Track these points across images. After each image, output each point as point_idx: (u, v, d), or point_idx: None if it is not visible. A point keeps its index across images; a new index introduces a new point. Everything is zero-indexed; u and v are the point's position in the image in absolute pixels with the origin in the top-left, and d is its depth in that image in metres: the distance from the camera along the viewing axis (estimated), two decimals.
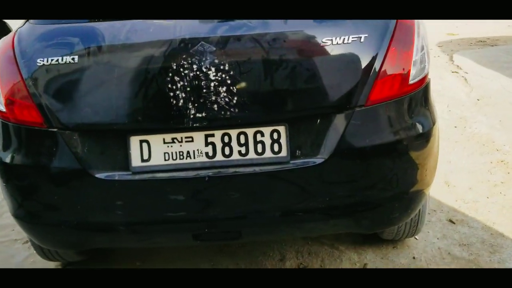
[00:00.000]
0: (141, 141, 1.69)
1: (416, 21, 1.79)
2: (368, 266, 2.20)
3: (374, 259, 2.25)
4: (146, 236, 1.85)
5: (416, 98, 1.77)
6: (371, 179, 1.74)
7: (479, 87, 4.47)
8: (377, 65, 1.67)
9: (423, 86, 1.80)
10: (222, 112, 1.62)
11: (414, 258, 2.24)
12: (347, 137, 1.68)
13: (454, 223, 2.47)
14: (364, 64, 1.67)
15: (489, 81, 4.61)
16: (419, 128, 1.78)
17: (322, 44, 1.64)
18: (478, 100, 4.14)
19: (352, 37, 1.66)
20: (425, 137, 1.80)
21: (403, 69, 1.71)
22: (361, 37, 1.66)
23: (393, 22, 1.72)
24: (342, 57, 1.67)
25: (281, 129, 1.68)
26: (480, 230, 2.40)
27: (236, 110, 1.63)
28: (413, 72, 1.73)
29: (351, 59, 1.67)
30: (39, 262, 2.33)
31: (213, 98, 1.62)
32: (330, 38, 1.65)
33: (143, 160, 1.69)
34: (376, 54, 1.67)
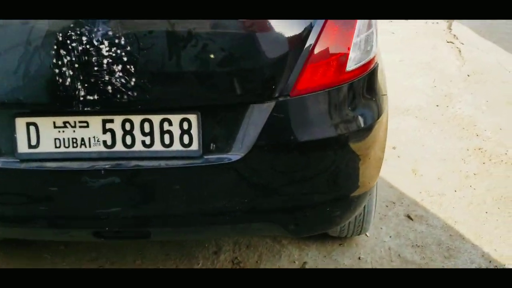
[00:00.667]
0: (28, 124, 1.44)
1: None
2: (308, 266, 1.99)
3: (316, 257, 2.03)
4: (39, 231, 1.63)
5: (357, 86, 1.50)
6: (297, 181, 1.50)
7: (472, 60, 4.12)
8: (307, 47, 1.39)
9: (367, 72, 1.51)
10: (119, 95, 1.36)
11: (359, 258, 2.03)
12: (268, 132, 1.42)
13: (412, 219, 2.23)
14: (290, 45, 1.39)
15: (484, 53, 4.25)
16: (359, 122, 1.52)
17: (241, 19, 1.35)
18: (468, 76, 3.81)
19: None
20: (366, 133, 1.54)
21: (341, 52, 1.42)
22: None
23: None
24: (264, 37, 1.38)
25: (192, 118, 1.42)
26: (439, 229, 2.17)
27: (137, 93, 1.36)
28: (352, 56, 1.44)
29: (275, 39, 1.39)
30: None
31: (107, 77, 1.35)
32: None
33: (30, 146, 1.44)
34: (307, 34, 1.39)
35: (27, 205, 1.51)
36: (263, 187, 1.49)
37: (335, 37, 1.42)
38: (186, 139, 1.43)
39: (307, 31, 1.39)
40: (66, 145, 1.44)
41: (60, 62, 1.34)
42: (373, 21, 1.54)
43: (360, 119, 1.51)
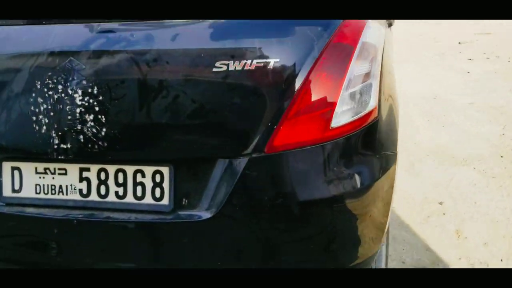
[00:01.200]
0: (13, 168, 1.46)
1: (361, 41, 1.34)
2: None
3: None
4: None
5: (348, 144, 1.34)
6: (274, 248, 1.35)
7: None
8: (286, 101, 1.27)
9: (361, 129, 1.35)
10: (94, 144, 1.33)
11: None
12: (241, 190, 1.30)
13: None
14: (268, 98, 1.28)
15: None
16: (350, 184, 1.34)
17: (214, 69, 1.27)
18: None
19: (257, 62, 1.27)
20: (359, 196, 1.36)
21: (325, 107, 1.29)
22: (269, 62, 1.27)
23: (322, 43, 1.29)
24: (239, 88, 1.29)
25: (165, 170, 1.35)
26: None
27: (112, 143, 1.33)
28: (340, 110, 1.30)
29: (251, 91, 1.28)
30: None
31: (82, 126, 1.33)
32: (226, 62, 1.27)
33: (14, 190, 1.46)
34: (287, 87, 1.27)
35: (9, 248, 1.52)
36: (235, 250, 1.36)
37: (320, 88, 1.29)
38: (157, 192, 1.36)
39: (288, 81, 1.27)
40: (46, 191, 1.44)
41: (38, 110, 1.35)
42: (373, 71, 1.38)
43: (351, 181, 1.34)
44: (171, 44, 1.31)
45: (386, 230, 1.54)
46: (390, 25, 2.60)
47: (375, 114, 1.38)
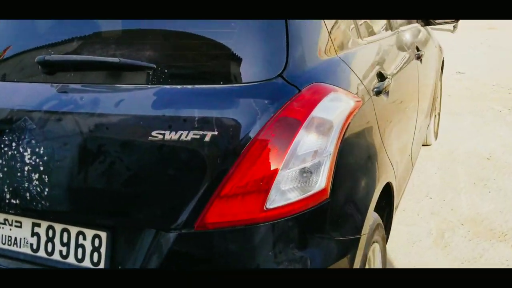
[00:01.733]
0: None
1: (312, 115, 1.25)
2: None
3: None
4: None
5: (288, 226, 1.24)
6: None
7: None
8: (220, 177, 1.21)
9: (306, 211, 1.24)
10: (35, 202, 1.36)
11: None
12: (170, 264, 1.25)
13: None
14: (202, 172, 1.22)
15: None
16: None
17: (150, 138, 1.25)
18: None
19: (194, 134, 1.23)
20: None
21: (260, 186, 1.20)
22: (206, 134, 1.22)
23: (266, 117, 1.23)
24: (173, 159, 1.25)
25: (103, 235, 1.34)
26: None
27: (50, 203, 1.35)
28: (277, 190, 1.21)
29: (185, 164, 1.24)
30: None
31: (26, 184, 1.36)
32: (162, 132, 1.24)
33: None
34: (223, 162, 1.21)
35: None
36: None
37: (258, 165, 1.21)
38: (95, 257, 1.35)
39: (225, 156, 1.21)
40: (3, 241, 1.48)
41: None
42: (326, 148, 1.27)
43: (291, 267, 1.23)
44: (113, 109, 1.31)
45: None
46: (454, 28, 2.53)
47: (324, 196, 1.26)
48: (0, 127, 1.40)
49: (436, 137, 4.01)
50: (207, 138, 1.22)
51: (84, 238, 1.36)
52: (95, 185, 1.30)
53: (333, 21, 1.59)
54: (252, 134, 1.22)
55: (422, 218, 2.87)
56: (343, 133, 1.34)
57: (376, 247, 1.69)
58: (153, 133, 1.24)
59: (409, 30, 2.66)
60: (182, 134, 1.23)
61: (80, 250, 1.36)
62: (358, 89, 1.53)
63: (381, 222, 1.76)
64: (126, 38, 1.43)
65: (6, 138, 1.38)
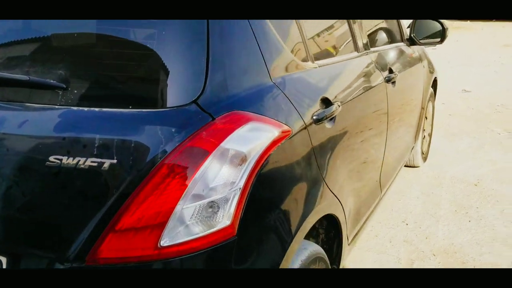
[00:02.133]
0: None
1: (222, 146, 1.18)
2: None
3: None
4: None
5: (185, 266, 1.16)
6: None
7: None
8: (116, 208, 1.14)
9: (207, 249, 1.17)
10: None
11: None
12: None
13: None
14: (96, 203, 1.16)
15: None
16: None
17: (47, 163, 1.19)
18: None
19: (91, 161, 1.16)
20: None
21: (155, 222, 1.13)
22: (104, 162, 1.15)
23: (170, 146, 1.16)
24: (69, 187, 1.18)
25: (3, 260, 1.27)
26: None
27: None
28: (174, 227, 1.14)
29: (80, 193, 1.17)
30: None
31: None
32: (60, 157, 1.18)
33: None
34: (119, 193, 1.14)
35: None
36: None
37: (155, 199, 1.14)
38: None
39: (121, 186, 1.15)
40: None
41: None
42: (236, 182, 1.19)
43: None
44: (16, 130, 1.25)
45: None
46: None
47: (230, 233, 1.19)
48: None
49: (425, 159, 3.89)
50: (105, 166, 1.15)
51: None
52: None
53: (273, 44, 1.51)
54: (152, 165, 1.15)
55: (394, 245, 2.76)
56: (260, 165, 1.26)
57: None
58: (51, 158, 1.18)
59: (383, 52, 2.56)
60: (79, 160, 1.16)
61: None
62: (290, 117, 1.44)
63: (324, 255, 1.68)
64: (41, 55, 1.37)
65: None
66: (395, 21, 2.98)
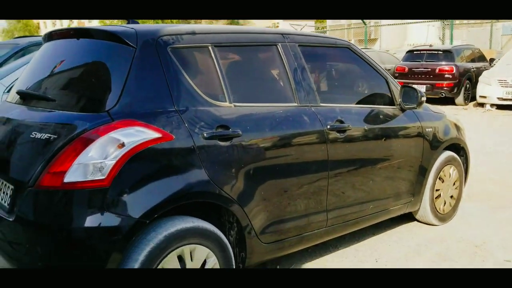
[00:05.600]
0: None
1: (110, 135, 2.15)
2: None
3: None
4: None
5: (79, 194, 2.13)
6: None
7: None
8: (49, 159, 2.19)
9: (93, 188, 2.12)
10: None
11: None
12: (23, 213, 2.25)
13: None
14: (43, 155, 2.22)
15: None
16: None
17: (31, 135, 2.32)
18: None
19: (46, 136, 2.27)
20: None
21: (65, 168, 2.14)
22: (51, 136, 2.27)
23: (82, 130, 2.17)
24: (36, 146, 2.29)
25: (11, 187, 2.39)
26: None
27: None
28: (72, 173, 2.12)
29: (37, 151, 2.26)
30: None
31: None
32: (36, 133, 2.30)
33: None
34: (54, 151, 2.20)
35: None
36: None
37: (66, 156, 2.13)
38: (9, 202, 2.40)
39: (55, 148, 2.17)
40: None
41: None
42: (112, 154, 2.12)
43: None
44: (25, 119, 2.41)
45: None
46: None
47: (104, 183, 2.12)
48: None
49: (442, 219, 4.08)
50: (51, 137, 2.22)
51: (6, 188, 2.43)
52: (8, 156, 2.40)
53: (184, 87, 2.42)
54: (71, 139, 2.16)
55: None
56: (134, 150, 2.17)
57: (187, 250, 2.33)
58: (33, 133, 2.29)
59: (343, 108, 3.18)
60: (43, 135, 2.25)
61: (4, 196, 2.44)
62: (178, 130, 2.32)
63: (213, 234, 2.42)
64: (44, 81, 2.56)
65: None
66: (386, 86, 3.55)
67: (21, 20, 43.29)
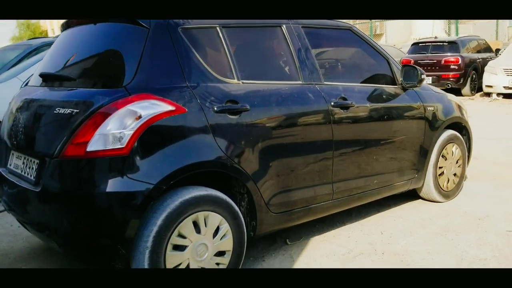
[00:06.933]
0: None
1: (128, 107, 2.33)
2: None
3: None
4: None
5: (102, 162, 2.31)
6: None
7: None
8: (73, 131, 2.36)
9: (114, 156, 2.30)
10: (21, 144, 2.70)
11: None
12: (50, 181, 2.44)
13: None
14: (67, 128, 2.40)
15: None
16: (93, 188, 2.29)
17: (54, 111, 2.49)
18: None
19: (69, 110, 2.45)
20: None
21: (88, 139, 2.31)
22: (73, 110, 2.44)
23: (102, 104, 2.35)
24: (59, 121, 2.46)
25: (36, 161, 2.58)
26: None
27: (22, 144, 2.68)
28: (93, 143, 2.30)
29: (62, 124, 2.44)
30: None
31: (19, 133, 2.72)
32: (59, 109, 2.48)
33: None
34: (77, 124, 2.38)
35: None
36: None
37: (87, 128, 2.31)
38: (35, 175, 2.58)
39: (78, 121, 2.35)
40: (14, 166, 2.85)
41: None
42: (130, 126, 2.29)
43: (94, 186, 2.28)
44: (48, 97, 2.59)
45: None
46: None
47: (124, 151, 2.30)
48: (20, 105, 2.81)
49: (446, 197, 4.21)
50: (73, 112, 2.39)
51: (32, 163, 2.61)
52: (33, 133, 2.58)
53: (194, 64, 2.60)
54: (92, 112, 2.34)
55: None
56: (150, 122, 2.34)
57: (201, 216, 2.51)
58: (56, 109, 2.47)
59: (346, 86, 3.33)
60: (66, 110, 2.43)
61: (30, 170, 2.62)
62: (190, 104, 2.48)
63: (221, 201, 2.58)
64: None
65: (20, 109, 2.78)
66: (388, 66, 3.70)
67: (29, 27, 44.01)
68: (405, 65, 3.73)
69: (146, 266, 2.33)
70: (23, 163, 2.69)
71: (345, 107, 3.22)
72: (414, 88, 3.79)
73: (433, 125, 3.93)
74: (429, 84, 10.23)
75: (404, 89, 3.74)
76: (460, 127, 4.34)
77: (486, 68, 11.72)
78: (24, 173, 2.66)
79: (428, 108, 3.89)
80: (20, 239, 3.62)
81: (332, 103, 3.14)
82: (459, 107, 4.33)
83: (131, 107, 2.34)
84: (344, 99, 3.23)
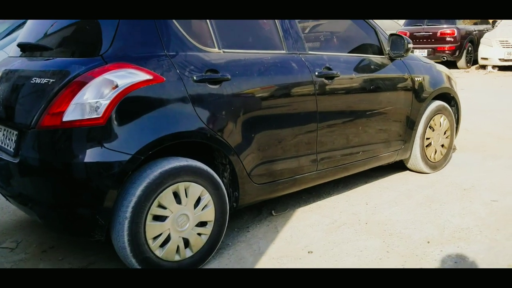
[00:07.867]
0: None
1: (104, 76, 2.29)
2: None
3: None
4: None
5: (78, 132, 2.28)
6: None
7: None
8: (48, 101, 2.34)
9: (90, 126, 2.27)
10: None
11: None
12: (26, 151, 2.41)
13: None
14: (43, 97, 2.37)
15: None
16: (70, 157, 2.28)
17: (31, 81, 2.45)
18: None
19: (46, 80, 2.41)
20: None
21: (63, 109, 2.28)
22: (50, 80, 2.40)
23: (77, 73, 2.32)
24: (36, 90, 2.43)
25: (15, 133, 2.56)
26: None
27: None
28: (69, 113, 2.27)
29: (39, 92, 2.42)
30: None
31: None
32: (36, 78, 2.45)
33: None
34: (53, 93, 2.34)
35: None
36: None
37: (63, 97, 2.27)
38: (14, 146, 2.56)
39: (51, 90, 2.32)
40: None
41: None
42: (107, 95, 2.26)
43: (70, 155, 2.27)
44: (26, 68, 2.55)
45: None
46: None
47: (100, 121, 2.27)
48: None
49: (434, 167, 4.21)
50: (49, 81, 2.36)
51: (11, 135, 2.59)
52: (12, 104, 2.55)
53: (173, 33, 2.55)
54: (69, 81, 2.30)
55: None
56: (127, 91, 2.31)
57: (182, 187, 2.50)
58: (33, 79, 2.44)
59: (330, 56, 3.29)
60: (40, 80, 2.39)
61: (10, 142, 2.60)
62: (168, 73, 2.45)
63: (206, 173, 2.57)
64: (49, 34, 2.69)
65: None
66: (375, 36, 3.65)
67: None
68: (392, 34, 3.68)
69: (125, 237, 2.33)
70: (3, 134, 2.66)
71: (330, 77, 3.18)
72: (401, 58, 3.75)
73: (420, 95, 3.90)
74: (425, 56, 10.21)
75: (392, 59, 3.70)
76: (449, 98, 4.31)
77: (481, 40, 11.62)
78: (4, 144, 2.64)
79: (416, 79, 3.85)
80: (7, 212, 3.62)
81: (316, 73, 3.11)
82: (448, 77, 4.29)
83: (108, 76, 2.30)
84: (329, 69, 3.20)
